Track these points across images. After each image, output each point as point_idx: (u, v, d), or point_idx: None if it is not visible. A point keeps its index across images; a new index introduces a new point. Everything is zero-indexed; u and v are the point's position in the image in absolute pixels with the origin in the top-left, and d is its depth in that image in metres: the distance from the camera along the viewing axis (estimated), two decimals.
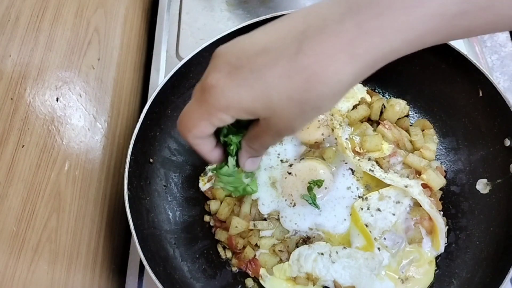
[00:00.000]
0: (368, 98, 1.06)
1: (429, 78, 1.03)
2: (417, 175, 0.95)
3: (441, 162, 1.00)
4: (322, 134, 0.98)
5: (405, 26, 0.45)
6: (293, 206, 0.92)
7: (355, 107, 1.03)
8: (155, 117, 0.98)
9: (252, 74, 0.48)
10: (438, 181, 0.94)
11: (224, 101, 0.50)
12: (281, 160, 0.98)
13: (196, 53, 1.01)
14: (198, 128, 0.55)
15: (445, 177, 0.97)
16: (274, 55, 0.48)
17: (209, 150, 0.61)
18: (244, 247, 0.91)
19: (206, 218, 0.98)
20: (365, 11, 0.45)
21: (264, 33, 0.51)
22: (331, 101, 0.49)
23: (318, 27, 0.47)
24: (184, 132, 0.56)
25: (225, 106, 0.50)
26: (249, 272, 0.91)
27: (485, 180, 0.93)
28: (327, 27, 0.46)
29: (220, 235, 0.95)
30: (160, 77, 1.23)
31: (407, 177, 0.94)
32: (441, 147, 1.01)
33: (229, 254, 0.94)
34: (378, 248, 0.87)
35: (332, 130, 0.99)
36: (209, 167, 1.02)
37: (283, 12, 1.05)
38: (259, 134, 0.57)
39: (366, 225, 0.88)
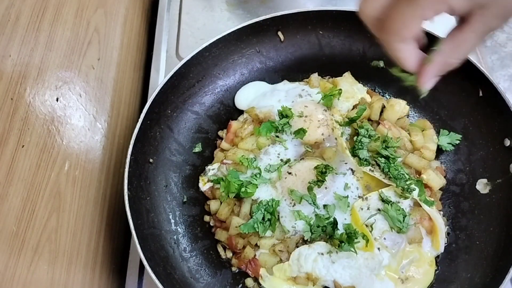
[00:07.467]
0: (368, 98, 1.06)
1: None
2: (417, 175, 0.95)
3: (441, 162, 1.00)
4: (322, 134, 0.98)
5: None
6: (293, 206, 0.92)
7: (355, 107, 1.03)
8: (155, 117, 0.98)
9: None
10: (438, 181, 0.94)
11: None
12: (281, 160, 0.98)
13: (196, 53, 1.01)
14: (409, 28, 0.50)
15: (445, 177, 0.97)
16: None
17: (412, 55, 0.55)
18: (244, 247, 0.91)
19: (206, 218, 0.98)
20: None
21: None
22: None
23: None
24: (389, 35, 0.52)
25: None
26: (249, 272, 0.91)
27: (485, 180, 0.93)
28: None
29: (220, 235, 0.95)
30: (160, 77, 1.23)
31: (408, 177, 0.93)
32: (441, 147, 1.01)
33: (229, 254, 0.94)
34: (378, 248, 0.87)
35: (332, 130, 0.99)
36: (209, 168, 1.02)
37: (283, 12, 1.05)
38: (466, 36, 0.51)
39: (366, 225, 0.88)
